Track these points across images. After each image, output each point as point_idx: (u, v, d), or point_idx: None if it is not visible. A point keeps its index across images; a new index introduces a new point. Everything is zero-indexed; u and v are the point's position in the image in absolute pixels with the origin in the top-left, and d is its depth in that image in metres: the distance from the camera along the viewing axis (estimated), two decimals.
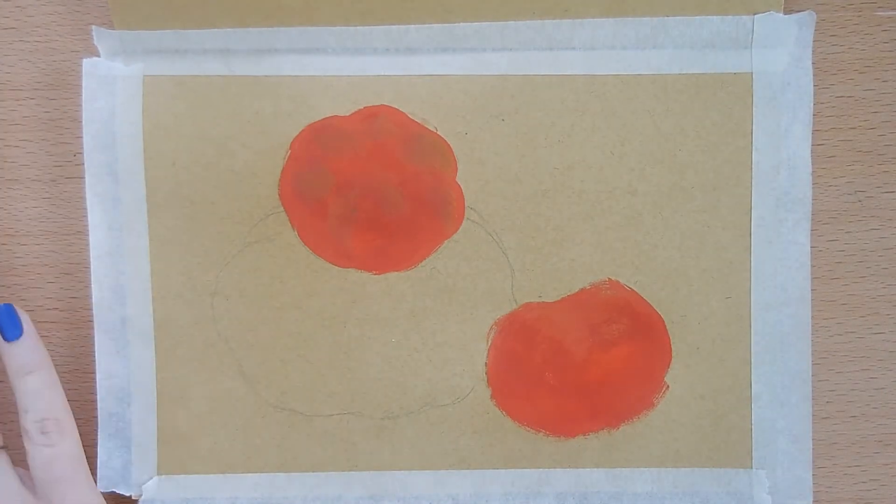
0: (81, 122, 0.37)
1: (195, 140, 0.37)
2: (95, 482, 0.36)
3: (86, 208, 0.37)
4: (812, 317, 0.38)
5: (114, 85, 0.37)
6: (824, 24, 0.37)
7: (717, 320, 0.38)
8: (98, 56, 0.37)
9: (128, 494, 0.38)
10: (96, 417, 0.38)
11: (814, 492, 0.38)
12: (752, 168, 0.37)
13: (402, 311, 0.38)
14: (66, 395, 0.35)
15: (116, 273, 0.38)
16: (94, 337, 0.38)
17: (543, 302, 0.38)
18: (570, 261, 0.38)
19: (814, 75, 0.37)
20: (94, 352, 0.38)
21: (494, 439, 0.38)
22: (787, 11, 0.36)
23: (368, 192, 0.37)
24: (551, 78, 0.37)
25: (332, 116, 0.37)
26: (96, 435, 0.38)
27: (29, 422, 0.34)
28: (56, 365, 0.35)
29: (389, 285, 0.38)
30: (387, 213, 0.37)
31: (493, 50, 0.37)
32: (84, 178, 0.37)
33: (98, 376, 0.38)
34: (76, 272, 0.39)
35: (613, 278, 0.38)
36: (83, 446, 0.35)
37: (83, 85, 0.37)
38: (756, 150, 0.37)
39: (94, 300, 0.37)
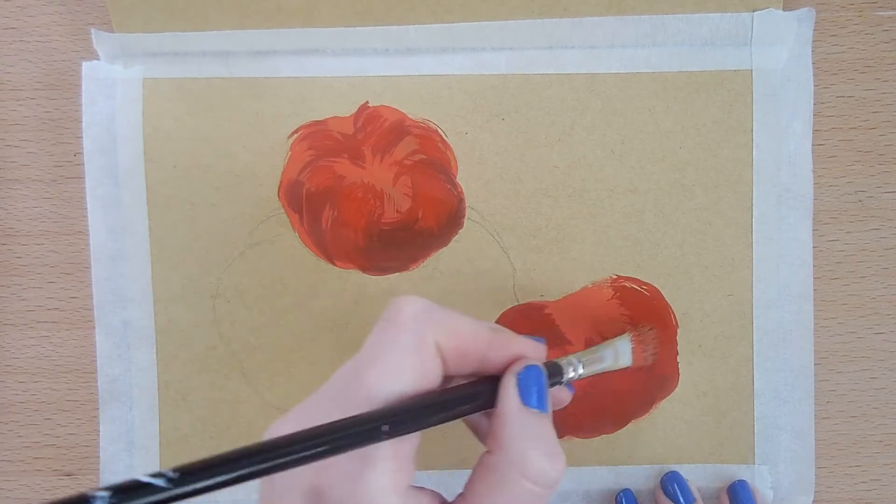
0: (81, 122, 0.37)
1: (195, 142, 0.37)
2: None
3: (86, 209, 0.37)
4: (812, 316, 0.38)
5: (113, 88, 0.37)
6: (824, 23, 0.38)
7: (720, 317, 0.38)
8: (97, 57, 0.37)
9: None
10: (97, 419, 0.38)
11: (815, 491, 0.38)
12: (752, 165, 0.37)
13: None
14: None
15: (117, 276, 0.37)
16: (94, 337, 0.38)
17: (545, 301, 0.38)
18: (572, 259, 0.38)
19: (814, 75, 0.37)
20: (94, 352, 0.38)
21: None
22: (787, 8, 0.36)
23: (369, 193, 0.37)
24: (551, 77, 0.37)
25: (332, 117, 0.37)
26: (98, 437, 0.38)
27: None
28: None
29: (391, 286, 0.38)
30: (388, 213, 0.37)
31: (493, 49, 0.37)
32: (84, 178, 0.37)
33: (100, 380, 0.38)
34: (76, 272, 0.38)
35: (615, 276, 0.38)
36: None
37: (83, 88, 0.37)
38: (757, 146, 0.37)
39: (94, 303, 0.37)
